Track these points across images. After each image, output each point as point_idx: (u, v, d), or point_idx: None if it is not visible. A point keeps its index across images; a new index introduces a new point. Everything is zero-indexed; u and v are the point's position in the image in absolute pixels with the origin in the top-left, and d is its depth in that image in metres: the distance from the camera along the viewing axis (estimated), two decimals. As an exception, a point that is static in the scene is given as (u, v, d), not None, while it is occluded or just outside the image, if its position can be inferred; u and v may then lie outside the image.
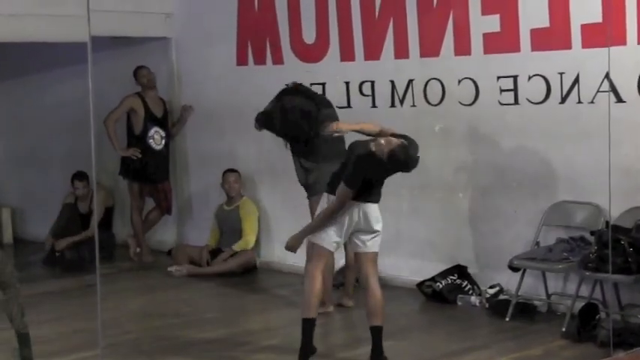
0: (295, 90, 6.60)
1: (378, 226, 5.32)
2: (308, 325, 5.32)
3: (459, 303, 6.74)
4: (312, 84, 7.69)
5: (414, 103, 7.14)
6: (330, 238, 5.30)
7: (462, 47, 6.81)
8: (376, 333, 5.32)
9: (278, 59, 7.98)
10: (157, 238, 9.07)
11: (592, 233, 6.09)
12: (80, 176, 8.79)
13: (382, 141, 5.10)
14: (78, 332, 6.04)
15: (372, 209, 5.31)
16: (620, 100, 6.01)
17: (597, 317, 5.82)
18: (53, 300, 7.18)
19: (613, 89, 5.98)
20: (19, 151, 10.32)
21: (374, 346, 5.32)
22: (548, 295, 6.47)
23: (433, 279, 6.89)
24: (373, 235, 5.33)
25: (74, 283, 7.73)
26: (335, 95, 7.56)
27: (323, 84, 7.65)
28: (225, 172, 8.22)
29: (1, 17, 7.53)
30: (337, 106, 7.48)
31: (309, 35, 7.75)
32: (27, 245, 9.58)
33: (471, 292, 6.79)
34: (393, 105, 7.27)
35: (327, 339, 6.08)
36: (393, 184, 7.35)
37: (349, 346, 5.85)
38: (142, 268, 8.51)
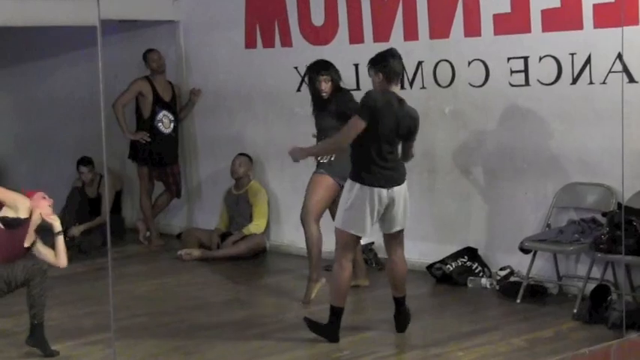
0: None
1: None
2: (337, 313, 5.44)
3: (470, 285, 6.72)
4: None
5: (423, 84, 7.11)
6: (363, 225, 5.37)
7: (472, 28, 6.77)
8: (402, 301, 5.62)
9: (287, 42, 7.94)
10: (166, 222, 9.07)
11: (604, 215, 6.07)
12: (85, 162, 8.78)
13: None
14: (89, 315, 6.05)
15: (401, 189, 5.45)
16: (632, 80, 5.96)
17: (609, 299, 5.80)
18: (64, 283, 7.17)
19: (625, 70, 5.94)
20: (28, 136, 10.33)
21: (403, 310, 5.59)
22: (559, 277, 6.45)
23: (443, 261, 6.87)
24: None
25: (84, 267, 7.74)
26: (344, 78, 7.51)
27: (332, 66, 7.61)
28: (235, 156, 8.22)
29: (10, 1, 7.51)
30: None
31: (317, 17, 7.70)
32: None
33: (481, 274, 6.77)
34: (402, 87, 7.12)
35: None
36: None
37: (358, 329, 5.85)
38: (152, 252, 8.52)
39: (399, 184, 5.43)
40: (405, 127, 5.42)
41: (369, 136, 5.30)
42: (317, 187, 6.38)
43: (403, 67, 5.64)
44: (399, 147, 5.53)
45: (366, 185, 5.32)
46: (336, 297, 5.47)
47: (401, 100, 5.45)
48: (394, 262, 5.62)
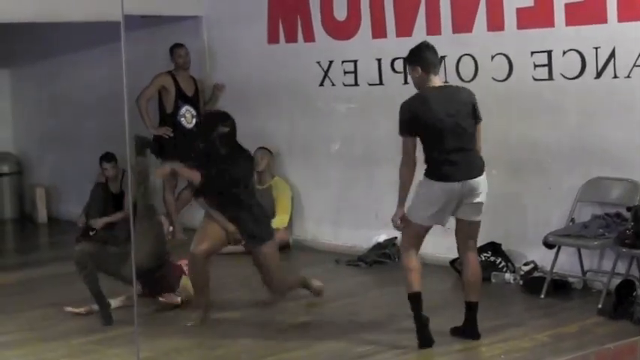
0: None
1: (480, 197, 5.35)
2: (414, 299, 5.28)
3: (493, 280, 6.70)
4: (343, 61, 7.68)
5: (446, 79, 7.06)
6: (423, 214, 5.29)
7: (495, 22, 6.74)
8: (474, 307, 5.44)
9: (309, 37, 7.94)
10: (189, 217, 9.09)
11: (628, 209, 6.03)
12: (108, 158, 8.82)
13: None
14: (115, 308, 6.09)
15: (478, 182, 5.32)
16: (657, 74, 5.93)
17: (634, 294, 5.76)
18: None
19: (650, 63, 5.90)
20: (52, 131, 10.40)
21: (474, 317, 5.43)
22: (584, 272, 6.42)
23: (467, 256, 6.85)
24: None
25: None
26: (367, 72, 7.54)
27: (355, 61, 7.63)
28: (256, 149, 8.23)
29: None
30: (369, 84, 7.49)
31: (340, 12, 7.70)
32: (60, 224, 9.66)
33: (504, 269, 6.75)
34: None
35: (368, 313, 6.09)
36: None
37: (381, 324, 5.84)
38: (175, 246, 8.52)
39: (474, 177, 5.28)
40: (454, 111, 5.21)
41: (424, 138, 5.24)
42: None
43: (438, 57, 5.44)
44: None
45: (431, 180, 5.25)
46: (407, 284, 5.30)
47: (441, 88, 5.32)
48: (467, 262, 5.44)
